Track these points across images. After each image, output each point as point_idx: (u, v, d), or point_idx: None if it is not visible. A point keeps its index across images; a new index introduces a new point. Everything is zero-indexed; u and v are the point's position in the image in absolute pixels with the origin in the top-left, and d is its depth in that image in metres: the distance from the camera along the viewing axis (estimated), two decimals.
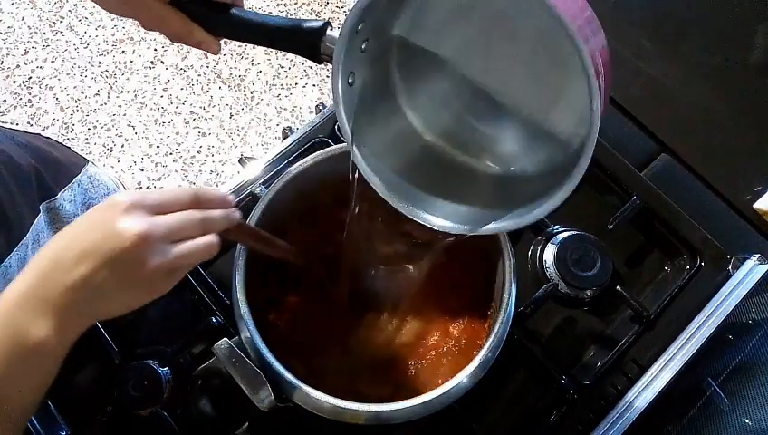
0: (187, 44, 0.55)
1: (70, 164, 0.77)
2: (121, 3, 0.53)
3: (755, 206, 0.73)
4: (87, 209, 0.76)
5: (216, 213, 0.45)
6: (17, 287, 0.40)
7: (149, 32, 1.79)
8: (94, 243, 0.39)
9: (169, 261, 0.40)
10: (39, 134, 0.78)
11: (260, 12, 0.51)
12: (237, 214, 0.48)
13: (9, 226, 0.63)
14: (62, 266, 0.39)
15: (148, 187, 1.57)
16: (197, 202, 0.44)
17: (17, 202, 0.65)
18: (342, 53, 0.46)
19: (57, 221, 0.72)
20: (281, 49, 0.50)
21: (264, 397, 0.52)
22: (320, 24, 0.49)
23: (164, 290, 0.42)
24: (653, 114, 0.82)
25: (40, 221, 0.68)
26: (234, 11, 0.51)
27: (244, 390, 0.52)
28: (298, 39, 0.49)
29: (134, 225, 0.39)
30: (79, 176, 0.76)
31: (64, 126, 1.63)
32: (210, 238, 0.43)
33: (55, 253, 0.40)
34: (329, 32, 0.49)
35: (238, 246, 0.56)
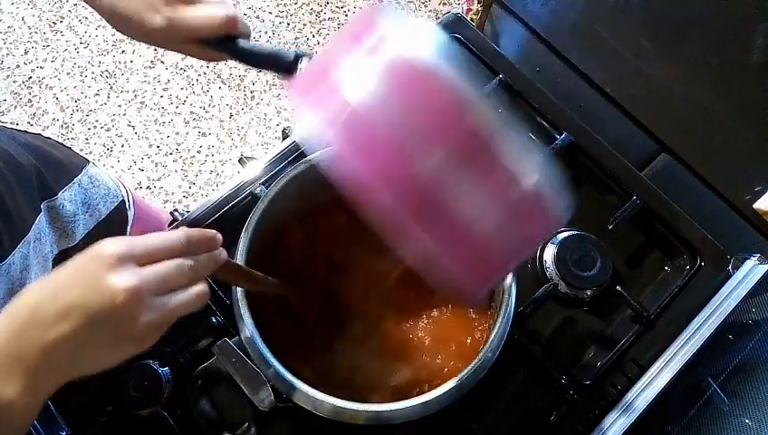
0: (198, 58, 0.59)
1: (70, 164, 0.77)
2: (157, 38, 0.55)
3: (755, 206, 0.73)
4: (88, 209, 0.76)
5: (203, 257, 0.43)
6: None
7: None
8: (79, 298, 0.36)
9: (161, 316, 0.38)
10: (40, 134, 0.78)
11: (255, 41, 0.58)
12: (224, 254, 0.46)
13: (12, 223, 0.63)
14: (41, 322, 0.36)
15: (148, 187, 1.57)
16: (187, 245, 0.42)
17: (19, 200, 0.65)
18: None
19: (57, 220, 0.72)
20: (268, 70, 0.58)
21: (264, 397, 0.52)
22: (293, 56, 0.56)
23: (150, 343, 0.40)
24: (653, 114, 0.82)
25: (41, 220, 0.68)
26: (238, 41, 0.57)
27: (244, 390, 0.52)
28: (279, 65, 0.57)
29: (124, 281, 0.36)
30: (79, 176, 0.76)
31: (64, 126, 1.63)
32: (201, 288, 0.42)
33: (34, 307, 0.37)
34: (300, 64, 0.56)
35: (239, 244, 0.55)
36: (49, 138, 0.79)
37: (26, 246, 0.65)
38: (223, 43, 0.56)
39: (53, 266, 0.69)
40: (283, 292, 0.58)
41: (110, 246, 0.38)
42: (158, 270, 0.39)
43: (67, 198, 0.73)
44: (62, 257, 0.72)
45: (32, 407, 0.38)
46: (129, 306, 0.36)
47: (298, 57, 0.56)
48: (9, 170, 0.65)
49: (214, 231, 0.45)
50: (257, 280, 0.54)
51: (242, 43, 0.56)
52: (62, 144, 0.80)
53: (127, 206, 0.84)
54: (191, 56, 0.58)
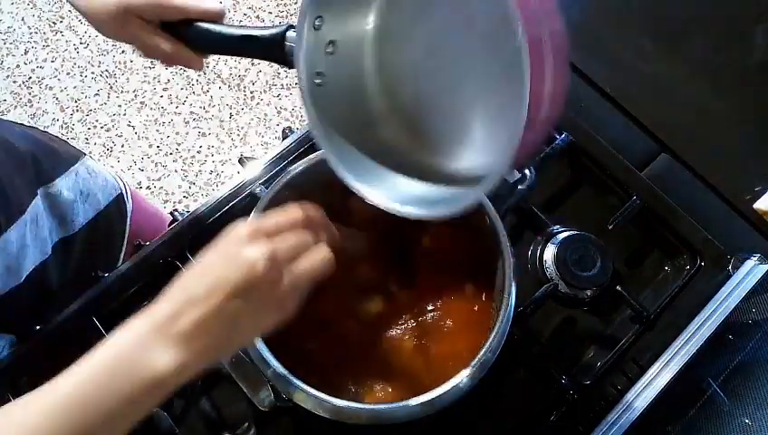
0: (177, 64, 0.58)
1: (68, 155, 0.77)
2: (119, 29, 0.56)
3: (755, 206, 0.73)
4: (86, 199, 0.76)
5: (324, 228, 0.48)
6: (151, 317, 0.40)
7: None
8: (223, 274, 0.40)
9: (296, 278, 0.43)
10: (36, 128, 0.78)
11: (244, 24, 0.54)
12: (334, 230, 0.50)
13: (8, 202, 0.64)
14: (195, 300, 0.40)
15: (147, 187, 1.57)
16: (307, 220, 0.47)
17: (15, 182, 0.65)
18: (302, 55, 0.47)
19: (55, 207, 0.72)
20: (255, 58, 0.52)
21: (264, 397, 0.52)
22: (279, 29, 0.50)
23: (291, 309, 0.43)
24: (653, 114, 0.82)
25: (37, 204, 0.68)
26: (210, 26, 0.53)
27: (244, 390, 0.52)
28: (264, 47, 0.51)
29: (259, 251, 0.41)
30: (76, 166, 0.77)
31: (64, 126, 1.63)
32: (326, 253, 0.45)
33: (188, 288, 0.41)
34: (289, 34, 0.50)
35: None
36: (45, 131, 0.79)
37: (22, 226, 0.65)
38: (190, 27, 0.51)
39: (52, 253, 0.70)
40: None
41: (242, 225, 0.42)
42: (287, 240, 0.43)
43: (65, 185, 0.73)
44: (62, 245, 0.72)
45: (174, 384, 0.40)
46: (268, 273, 0.41)
47: (286, 31, 0.49)
48: (6, 153, 0.65)
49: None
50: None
51: (222, 27, 0.51)
52: (58, 138, 0.80)
53: (125, 198, 0.85)
54: (179, 64, 0.57)
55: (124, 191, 0.85)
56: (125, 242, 0.84)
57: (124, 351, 0.40)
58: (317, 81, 0.50)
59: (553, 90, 0.38)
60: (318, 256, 0.45)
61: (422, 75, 0.51)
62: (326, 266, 0.45)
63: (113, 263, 0.81)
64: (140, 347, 0.39)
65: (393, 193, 0.50)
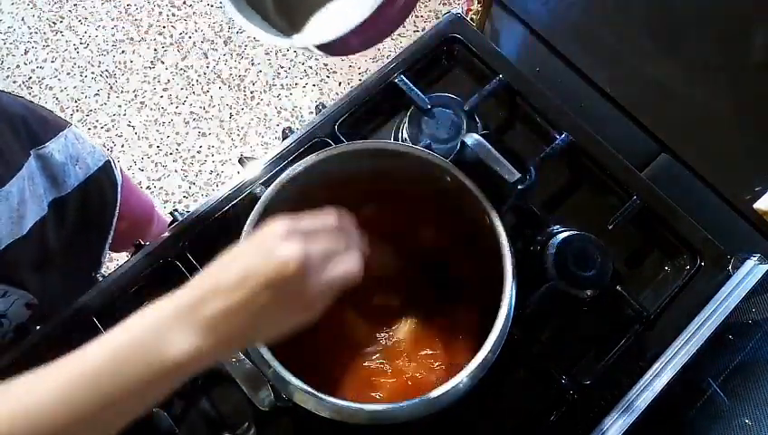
0: None
1: (55, 121, 0.80)
2: None
3: (755, 206, 0.73)
4: (76, 162, 0.79)
5: (354, 235, 0.48)
6: (176, 300, 0.40)
7: (149, 31, 1.79)
8: (256, 267, 0.40)
9: (326, 282, 0.42)
10: (24, 97, 0.81)
11: None
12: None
13: (4, 157, 0.66)
14: (224, 289, 0.40)
15: (147, 187, 1.57)
16: (340, 223, 0.47)
17: (10, 143, 0.68)
18: None
19: (47, 168, 0.74)
20: None
21: (264, 397, 0.52)
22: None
23: (318, 311, 0.43)
24: (653, 114, 0.82)
25: (31, 163, 0.71)
26: None
27: (244, 390, 0.52)
28: None
29: (294, 250, 0.41)
30: (65, 132, 0.79)
31: None
32: (358, 259, 0.45)
33: (217, 275, 0.41)
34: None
35: None
36: (32, 101, 0.82)
37: (21, 181, 0.68)
38: None
39: (48, 211, 0.73)
40: None
41: (280, 223, 0.42)
42: (321, 242, 0.43)
43: (55, 148, 0.76)
44: (56, 205, 0.75)
45: (192, 370, 0.40)
46: (300, 273, 0.40)
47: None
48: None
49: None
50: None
51: None
52: (44, 108, 0.83)
53: (113, 168, 0.87)
54: None
55: (113, 162, 0.88)
56: (116, 212, 0.86)
57: (146, 331, 0.39)
58: None
59: None
60: (349, 263, 0.45)
61: None
62: (356, 274, 0.45)
63: (105, 232, 0.85)
64: (162, 329, 0.39)
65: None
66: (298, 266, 0.40)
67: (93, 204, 0.82)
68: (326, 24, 0.56)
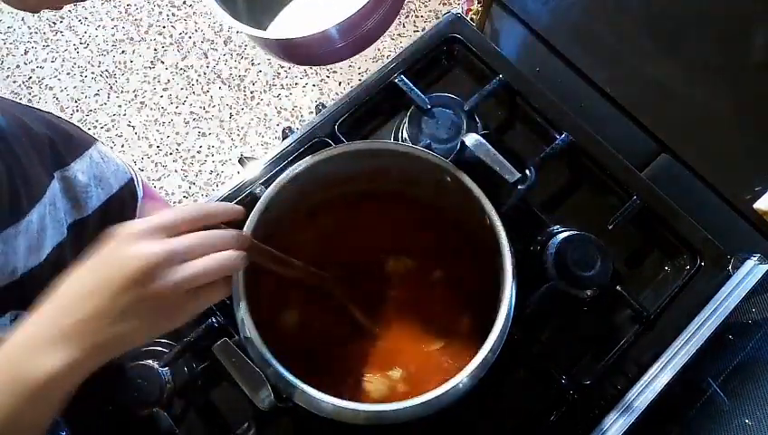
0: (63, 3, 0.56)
1: (81, 139, 0.78)
2: None
3: (755, 206, 0.73)
4: (99, 182, 0.78)
5: (229, 233, 0.45)
6: (26, 330, 0.39)
7: (149, 31, 1.78)
8: (110, 271, 0.39)
9: (189, 277, 0.40)
10: (50, 112, 0.79)
11: None
12: (248, 236, 0.48)
13: (29, 184, 0.65)
14: (77, 299, 0.39)
15: None
16: (206, 217, 0.44)
17: (35, 163, 0.66)
18: None
19: (70, 190, 0.73)
20: None
21: (264, 397, 0.52)
22: None
23: (189, 313, 0.42)
24: (653, 114, 0.82)
25: (54, 186, 0.70)
26: None
27: (244, 390, 0.52)
28: None
29: (147, 248, 0.39)
30: (90, 150, 0.78)
31: None
32: (230, 251, 0.43)
33: (76, 284, 0.40)
34: None
35: None
36: (59, 117, 0.81)
37: (42, 208, 0.66)
38: None
39: (68, 234, 0.71)
40: (309, 279, 0.58)
41: (130, 225, 0.41)
42: (179, 239, 0.41)
43: (79, 168, 0.74)
44: (76, 227, 0.73)
45: (69, 382, 0.39)
46: (156, 271, 0.39)
47: None
48: (25, 136, 0.66)
49: (232, 204, 0.47)
50: (285, 263, 0.54)
51: None
52: (71, 122, 0.81)
53: (136, 184, 0.86)
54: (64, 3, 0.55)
55: (135, 178, 0.86)
56: None
57: (14, 348, 0.38)
58: None
59: None
60: (220, 255, 0.42)
61: None
62: (231, 265, 0.43)
63: None
64: (29, 345, 0.38)
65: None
66: (152, 266, 0.39)
67: (113, 221, 0.80)
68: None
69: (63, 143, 0.73)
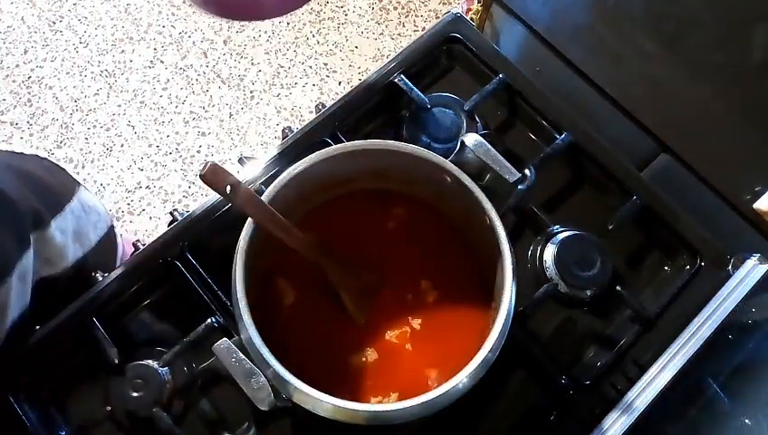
0: None
1: (63, 190, 0.75)
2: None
3: (755, 206, 0.73)
4: (78, 238, 0.75)
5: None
6: None
7: (148, 31, 1.79)
8: None
9: None
10: (36, 156, 0.76)
11: None
12: (249, 189, 0.50)
13: None
14: None
15: (147, 187, 1.57)
16: None
17: (4, 241, 0.61)
18: None
19: (44, 250, 0.69)
20: None
21: (264, 397, 0.52)
22: None
23: None
24: (653, 114, 0.82)
25: (29, 256, 0.64)
26: None
27: (244, 390, 0.52)
28: None
29: None
30: (71, 204, 0.75)
31: (64, 126, 1.63)
32: None
33: None
34: None
35: (239, 244, 0.55)
36: (45, 158, 0.78)
37: (7, 290, 0.61)
38: None
39: (32, 295, 0.66)
40: (307, 252, 0.58)
41: None
42: None
43: (58, 226, 0.71)
44: (44, 284, 0.69)
45: None
46: None
47: None
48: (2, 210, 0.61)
49: None
50: (284, 228, 0.55)
51: None
52: (56, 165, 0.79)
53: (115, 233, 0.83)
54: None
55: (115, 228, 0.84)
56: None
57: None
58: None
59: None
60: None
61: None
62: None
63: None
64: None
65: None
66: None
67: (89, 271, 0.72)
68: None
69: (44, 201, 0.69)
